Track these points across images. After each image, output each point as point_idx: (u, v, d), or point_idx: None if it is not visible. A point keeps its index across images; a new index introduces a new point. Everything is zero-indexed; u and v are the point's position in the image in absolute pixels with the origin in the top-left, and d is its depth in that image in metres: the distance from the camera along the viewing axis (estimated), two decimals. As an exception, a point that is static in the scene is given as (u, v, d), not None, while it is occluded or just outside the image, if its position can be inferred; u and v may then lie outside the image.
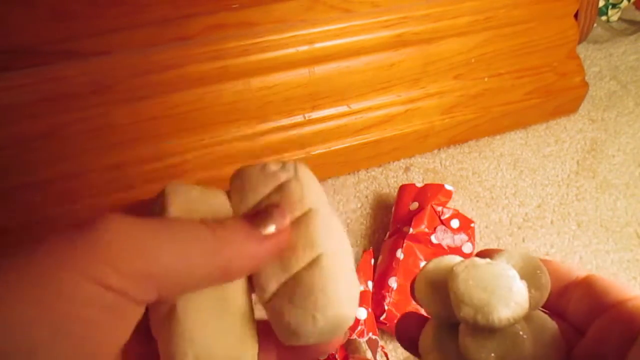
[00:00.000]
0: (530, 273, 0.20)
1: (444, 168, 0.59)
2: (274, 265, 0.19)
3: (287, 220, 0.19)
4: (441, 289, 0.20)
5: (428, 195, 0.49)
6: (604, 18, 0.78)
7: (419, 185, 0.51)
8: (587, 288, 0.19)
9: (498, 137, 0.62)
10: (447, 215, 0.48)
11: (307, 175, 0.21)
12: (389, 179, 0.58)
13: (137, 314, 0.16)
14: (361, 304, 0.42)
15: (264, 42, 0.46)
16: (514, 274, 0.19)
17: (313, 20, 0.48)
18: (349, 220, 0.53)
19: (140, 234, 0.15)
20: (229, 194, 0.21)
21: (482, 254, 0.22)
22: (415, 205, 0.49)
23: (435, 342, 0.20)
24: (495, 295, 0.18)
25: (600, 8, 0.75)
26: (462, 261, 0.20)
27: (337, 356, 0.39)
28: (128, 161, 0.47)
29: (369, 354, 0.43)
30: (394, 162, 0.59)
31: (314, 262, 0.19)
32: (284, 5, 0.46)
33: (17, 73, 0.40)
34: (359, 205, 0.55)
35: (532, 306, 0.19)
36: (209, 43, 0.45)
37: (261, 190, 0.21)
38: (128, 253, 0.15)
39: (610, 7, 0.78)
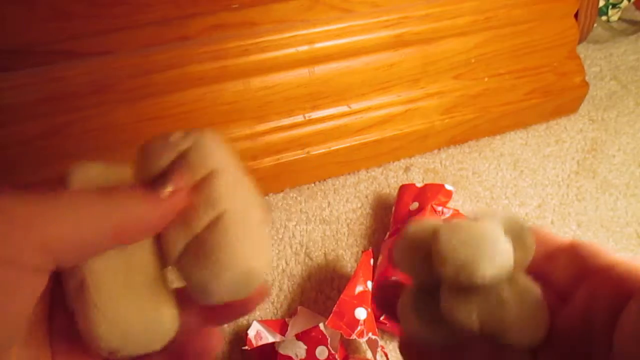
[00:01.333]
0: (515, 234, 0.19)
1: (444, 168, 0.59)
2: (177, 227, 0.19)
3: (184, 181, 0.19)
4: (423, 250, 0.20)
5: (428, 195, 0.49)
6: (604, 18, 0.78)
7: (419, 185, 0.51)
8: (573, 253, 0.19)
9: (498, 137, 0.62)
10: (447, 215, 0.48)
11: (209, 141, 0.21)
12: (389, 179, 0.58)
13: (35, 284, 0.16)
14: (361, 304, 0.42)
15: (264, 42, 0.46)
16: (498, 233, 0.18)
17: (313, 20, 0.48)
18: (348, 221, 0.53)
19: (28, 206, 0.16)
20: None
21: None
22: (415, 205, 0.49)
23: (414, 307, 0.20)
24: (479, 253, 0.17)
25: (600, 8, 0.75)
26: (445, 221, 0.20)
27: (337, 356, 0.39)
28: (128, 161, 0.47)
29: (369, 354, 0.43)
30: (394, 162, 0.59)
31: (215, 221, 0.19)
32: (284, 5, 0.46)
33: (17, 73, 0.40)
34: (359, 205, 0.55)
35: (516, 268, 0.19)
36: (209, 43, 0.45)
37: (163, 159, 0.20)
38: (15, 224, 0.15)
39: (610, 7, 0.78)
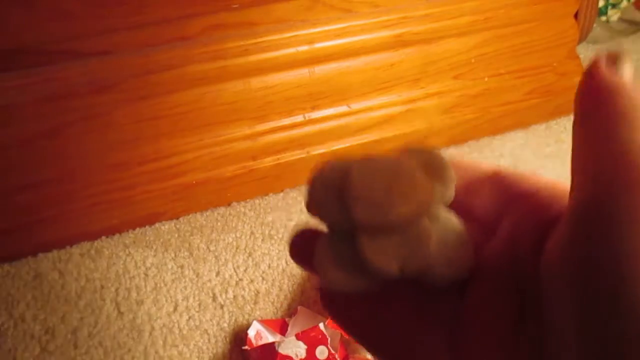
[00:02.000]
0: (432, 167, 0.18)
1: (444, 168, 0.59)
2: None
3: None
4: (335, 190, 0.18)
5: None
6: (603, 18, 0.78)
7: (419, 185, 0.51)
8: (496, 182, 0.18)
9: (498, 137, 0.62)
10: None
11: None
12: (389, 179, 0.58)
13: None
14: (361, 303, 0.42)
15: (264, 42, 0.46)
16: (413, 166, 0.17)
17: (313, 20, 0.48)
18: (349, 220, 0.53)
19: None
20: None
21: None
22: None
23: (331, 254, 0.18)
24: (394, 190, 0.16)
25: (600, 8, 0.75)
26: (357, 158, 0.18)
27: (337, 356, 0.39)
28: (128, 161, 0.47)
29: (368, 354, 0.43)
30: (394, 162, 0.59)
31: None
32: (284, 5, 0.46)
33: (17, 73, 0.40)
34: (359, 205, 0.55)
35: (436, 203, 0.17)
36: (209, 43, 0.45)
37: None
38: None
39: (610, 7, 0.78)
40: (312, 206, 0.19)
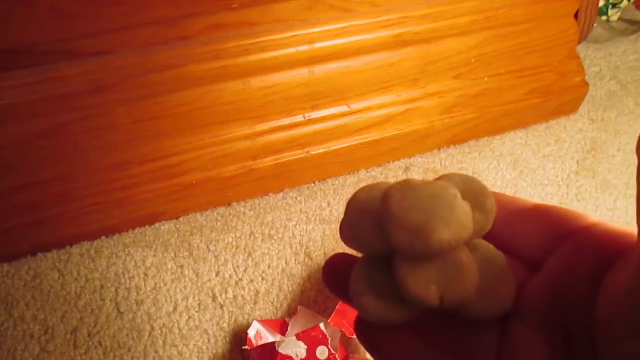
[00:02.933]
0: (473, 195, 0.17)
1: (444, 168, 0.59)
2: None
3: None
4: (372, 217, 0.17)
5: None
6: (604, 18, 0.78)
7: (419, 185, 0.51)
8: (541, 217, 0.17)
9: (498, 137, 0.62)
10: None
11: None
12: (389, 179, 0.58)
13: None
14: (361, 303, 0.42)
15: (264, 42, 0.46)
16: (454, 193, 0.16)
17: (313, 20, 0.48)
18: (349, 220, 0.53)
19: None
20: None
21: None
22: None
23: (367, 282, 0.17)
24: (434, 215, 0.15)
25: (600, 8, 0.75)
26: (396, 183, 0.17)
27: (337, 356, 0.39)
28: (128, 161, 0.47)
29: (368, 355, 0.42)
30: (394, 162, 0.59)
31: None
32: (284, 5, 0.46)
33: (17, 73, 0.40)
34: (359, 205, 0.55)
35: (477, 233, 0.17)
36: (209, 43, 0.45)
37: None
38: None
39: (610, 7, 0.78)
40: (348, 232, 0.18)
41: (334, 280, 0.19)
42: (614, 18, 0.80)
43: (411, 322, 0.17)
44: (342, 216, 0.56)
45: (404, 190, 0.16)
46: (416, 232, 0.15)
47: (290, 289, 0.47)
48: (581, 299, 0.14)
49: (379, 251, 0.17)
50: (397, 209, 0.16)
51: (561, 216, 0.16)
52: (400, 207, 0.16)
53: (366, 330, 0.18)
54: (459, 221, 0.15)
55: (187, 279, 0.47)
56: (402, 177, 0.58)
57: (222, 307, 0.46)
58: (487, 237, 0.17)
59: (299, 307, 0.44)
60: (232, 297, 0.46)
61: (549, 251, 0.16)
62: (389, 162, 0.59)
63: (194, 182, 0.50)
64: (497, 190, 0.56)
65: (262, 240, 0.51)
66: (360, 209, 0.18)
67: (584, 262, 0.15)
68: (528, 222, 0.17)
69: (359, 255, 0.20)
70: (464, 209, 0.16)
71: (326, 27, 0.48)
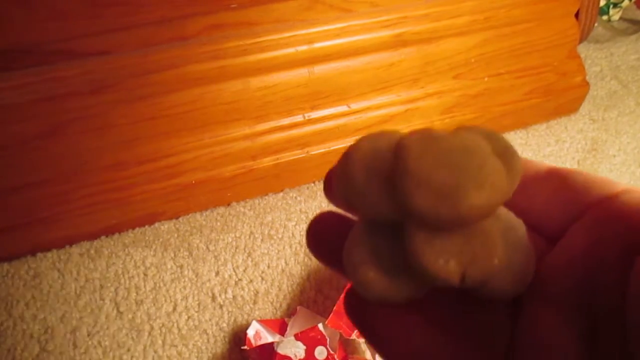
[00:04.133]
0: (498, 152, 0.14)
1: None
2: None
3: None
4: (380, 172, 0.14)
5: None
6: (605, 17, 0.78)
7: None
8: (559, 182, 0.15)
9: (498, 137, 0.62)
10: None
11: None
12: (388, 178, 0.57)
13: None
14: (360, 304, 0.42)
15: (264, 41, 0.46)
16: (487, 148, 0.13)
17: (312, 20, 0.48)
18: (348, 220, 0.53)
19: None
20: None
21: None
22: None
23: (368, 250, 0.14)
24: (465, 176, 0.13)
25: (601, 7, 0.75)
26: (413, 132, 0.14)
27: (336, 356, 0.39)
28: (127, 161, 0.48)
29: (368, 355, 0.42)
30: (393, 162, 0.59)
31: None
32: (284, 5, 0.46)
33: (16, 73, 0.40)
34: (358, 205, 0.55)
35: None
36: (208, 43, 0.45)
37: None
38: None
39: (611, 6, 0.78)
40: (344, 189, 0.15)
41: (320, 244, 0.16)
42: (615, 17, 0.79)
43: (414, 301, 0.14)
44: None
45: (425, 142, 0.13)
46: (442, 194, 0.13)
47: (290, 288, 0.47)
48: (610, 279, 0.12)
49: (385, 214, 0.14)
50: (417, 165, 0.13)
51: (582, 182, 0.14)
52: (422, 162, 0.13)
53: (361, 308, 0.15)
54: (494, 184, 0.13)
55: (186, 279, 0.47)
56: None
57: (221, 307, 0.46)
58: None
59: (298, 307, 0.44)
60: (231, 297, 0.46)
61: (569, 222, 0.14)
62: (389, 162, 0.59)
63: (193, 182, 0.50)
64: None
65: (262, 240, 0.51)
66: (364, 162, 0.14)
67: (613, 235, 0.13)
68: (544, 187, 0.15)
69: (351, 216, 0.16)
70: (499, 169, 0.13)
71: (326, 27, 0.48)
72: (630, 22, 0.80)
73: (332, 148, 0.54)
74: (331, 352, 0.39)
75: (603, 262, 0.13)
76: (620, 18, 0.80)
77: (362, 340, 0.42)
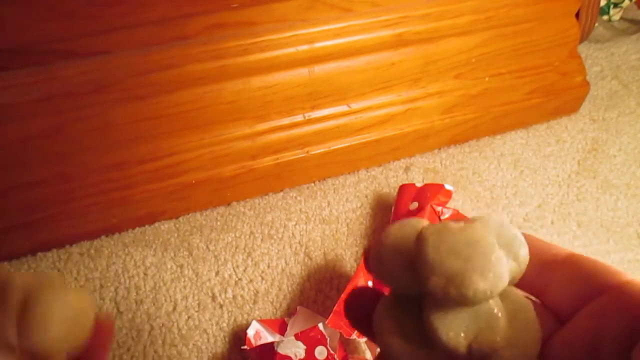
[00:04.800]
0: (507, 243, 0.17)
1: (444, 168, 0.59)
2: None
3: None
4: (405, 256, 0.17)
5: (428, 195, 0.49)
6: (605, 17, 0.78)
7: (419, 185, 0.51)
8: (573, 269, 0.17)
9: (498, 136, 0.62)
10: (446, 215, 0.48)
11: None
12: (389, 178, 0.57)
13: None
14: (360, 304, 0.42)
15: (264, 41, 0.46)
16: (492, 241, 0.16)
17: (313, 19, 0.48)
18: (348, 220, 0.53)
19: None
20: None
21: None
22: (415, 205, 0.49)
23: (393, 320, 0.17)
24: (471, 264, 0.15)
25: (601, 7, 0.75)
26: (431, 225, 0.17)
27: (336, 356, 0.39)
28: (127, 161, 0.47)
29: (367, 354, 0.42)
30: (394, 161, 0.59)
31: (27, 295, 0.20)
32: (284, 4, 0.46)
33: (16, 72, 0.40)
34: (358, 205, 0.55)
35: (509, 281, 0.17)
36: (209, 42, 0.45)
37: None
38: None
39: (611, 6, 0.78)
40: (377, 269, 0.18)
41: (356, 313, 0.19)
42: (616, 17, 0.79)
43: None
44: (341, 216, 0.56)
45: (441, 234, 0.16)
46: (452, 279, 0.15)
47: (290, 288, 0.47)
48: None
49: (409, 290, 0.17)
50: (433, 253, 0.16)
51: (595, 269, 0.16)
52: (437, 251, 0.16)
53: None
54: (496, 272, 0.15)
55: (186, 279, 0.47)
56: (402, 176, 0.58)
57: (221, 306, 0.46)
58: (518, 283, 0.17)
59: (298, 307, 0.44)
60: (231, 296, 0.46)
61: (579, 305, 0.16)
62: (389, 162, 0.59)
63: (193, 181, 0.50)
64: (498, 190, 0.56)
65: (262, 239, 0.51)
66: (392, 247, 0.18)
67: (615, 323, 0.15)
68: (560, 272, 0.17)
69: (380, 288, 0.20)
70: (501, 260, 0.16)
71: (326, 27, 0.48)
72: (630, 22, 0.80)
73: (332, 148, 0.54)
74: (331, 352, 0.38)
75: (604, 346, 0.14)
76: (621, 18, 0.80)
77: (362, 340, 0.42)
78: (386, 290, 0.19)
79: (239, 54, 0.46)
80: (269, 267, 0.49)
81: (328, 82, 0.51)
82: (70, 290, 0.21)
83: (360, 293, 0.19)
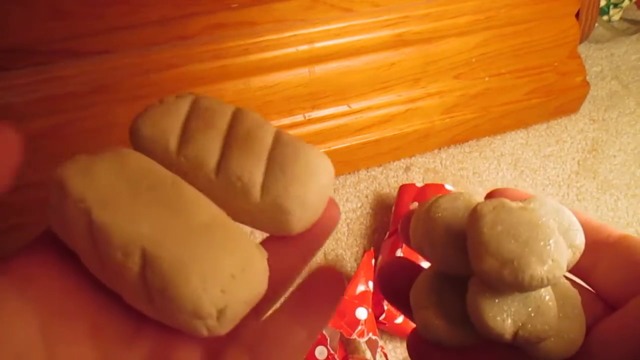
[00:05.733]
0: (564, 228, 0.16)
1: (445, 168, 0.59)
2: (246, 160, 0.18)
3: None
4: (454, 232, 0.16)
5: (428, 195, 0.49)
6: (605, 18, 0.78)
7: (419, 185, 0.51)
8: (624, 252, 0.15)
9: (499, 137, 0.62)
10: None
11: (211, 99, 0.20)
12: (389, 178, 0.57)
13: None
14: (362, 303, 0.42)
15: (264, 41, 0.46)
16: (553, 226, 0.15)
17: (313, 19, 0.48)
18: (348, 220, 0.53)
19: None
20: (140, 149, 0.19)
21: (500, 194, 0.17)
22: (415, 205, 0.49)
23: (433, 297, 0.16)
24: (530, 248, 0.14)
25: (601, 7, 0.75)
26: (489, 200, 0.16)
27: (336, 356, 0.39)
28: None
29: (368, 354, 0.42)
30: (394, 161, 0.59)
31: (276, 137, 0.18)
32: (284, 4, 0.46)
33: (17, 72, 0.40)
34: (359, 205, 0.55)
35: None
36: (209, 42, 0.45)
37: (178, 117, 0.19)
38: None
39: (611, 6, 0.78)
40: (419, 241, 0.17)
41: (388, 284, 0.18)
42: (615, 18, 0.79)
43: (468, 349, 0.16)
44: (341, 215, 0.56)
45: (498, 212, 0.15)
46: (507, 262, 0.14)
47: (290, 288, 0.47)
48: None
49: (453, 268, 0.16)
50: (489, 233, 0.15)
51: None
52: (493, 231, 0.15)
53: (420, 348, 0.17)
54: (555, 259, 0.14)
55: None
56: (402, 176, 0.58)
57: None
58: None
59: (298, 307, 0.44)
60: (231, 296, 0.46)
61: (632, 290, 0.15)
62: (389, 162, 0.59)
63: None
64: (498, 190, 0.56)
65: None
66: (441, 220, 0.16)
67: None
68: (611, 254, 0.16)
69: (420, 261, 0.18)
70: (561, 246, 0.15)
71: (326, 27, 0.48)
72: (630, 22, 0.80)
73: (332, 148, 0.54)
74: (331, 351, 0.38)
75: None
76: (621, 18, 0.80)
77: (362, 340, 0.42)
78: (418, 261, 0.18)
79: (239, 54, 0.46)
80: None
81: (328, 82, 0.51)
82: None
83: (397, 265, 0.18)
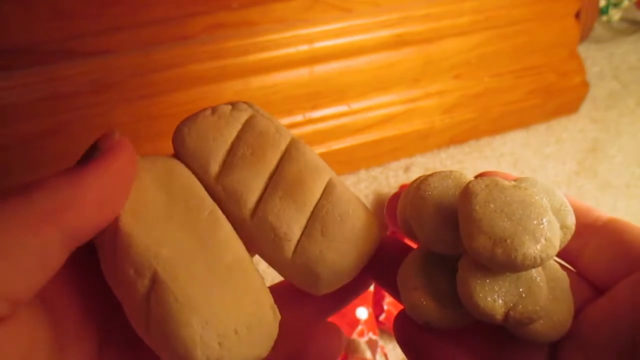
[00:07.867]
0: (555, 208, 0.16)
1: (444, 168, 0.59)
2: (287, 210, 0.16)
3: (116, 137, 0.15)
4: (444, 209, 0.16)
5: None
6: (605, 18, 0.78)
7: (419, 185, 0.51)
8: (612, 235, 0.15)
9: (498, 137, 0.62)
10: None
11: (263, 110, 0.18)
12: (389, 178, 0.58)
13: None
14: (362, 303, 0.42)
15: (264, 41, 0.46)
16: (546, 204, 0.15)
17: (313, 19, 0.48)
18: (349, 220, 0.53)
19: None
20: (181, 159, 0.18)
21: (490, 175, 0.17)
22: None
23: (422, 277, 0.16)
24: (523, 227, 0.14)
25: (601, 8, 0.75)
26: (481, 179, 0.15)
27: (336, 356, 0.39)
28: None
29: (368, 354, 0.42)
30: (394, 161, 0.59)
31: (328, 189, 0.17)
32: (284, 4, 0.46)
33: (17, 72, 0.40)
34: (359, 205, 0.55)
35: None
36: (209, 42, 0.45)
37: (227, 136, 0.18)
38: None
39: (611, 7, 0.78)
40: (407, 220, 0.16)
41: (376, 266, 0.17)
42: (615, 18, 0.79)
43: (456, 330, 0.16)
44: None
45: (491, 190, 0.15)
46: (500, 241, 0.14)
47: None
48: None
49: (443, 247, 0.16)
50: (481, 210, 0.14)
51: (635, 236, 0.15)
52: (486, 208, 0.14)
53: (408, 329, 0.16)
54: (548, 238, 0.14)
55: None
56: (402, 176, 0.58)
57: (221, 306, 0.46)
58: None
59: (298, 307, 0.44)
60: (231, 296, 0.46)
61: (619, 274, 0.15)
62: (389, 162, 0.59)
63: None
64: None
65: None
66: (431, 198, 0.16)
67: None
68: (599, 237, 0.16)
69: (404, 240, 0.17)
70: (554, 226, 0.14)
71: (326, 27, 0.48)
72: (630, 23, 0.80)
73: (332, 148, 0.54)
74: (332, 351, 0.38)
75: None
76: (620, 18, 0.80)
77: (362, 340, 0.42)
78: (407, 242, 0.18)
79: (239, 54, 0.46)
80: (269, 266, 0.49)
81: (328, 82, 0.51)
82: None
83: (384, 244, 0.17)
